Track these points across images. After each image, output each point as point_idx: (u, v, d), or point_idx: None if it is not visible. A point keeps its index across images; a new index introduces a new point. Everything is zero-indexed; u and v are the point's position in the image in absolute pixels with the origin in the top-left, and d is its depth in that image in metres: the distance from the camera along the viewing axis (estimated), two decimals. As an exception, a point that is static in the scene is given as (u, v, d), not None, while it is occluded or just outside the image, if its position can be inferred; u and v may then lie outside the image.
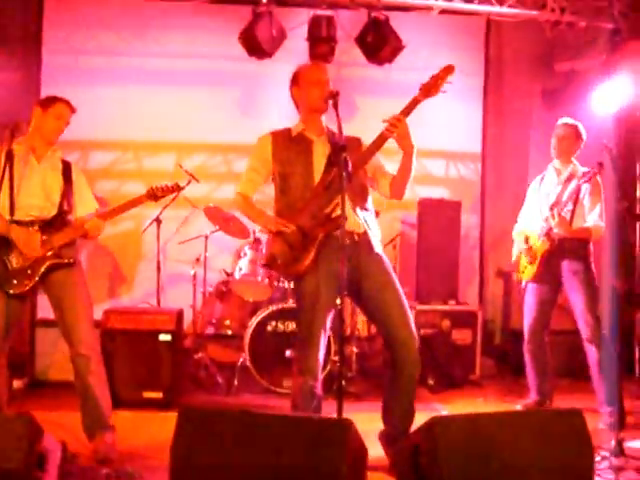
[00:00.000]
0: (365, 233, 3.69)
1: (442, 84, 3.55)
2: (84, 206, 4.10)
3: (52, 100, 4.02)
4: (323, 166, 3.68)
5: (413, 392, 3.74)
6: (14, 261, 3.83)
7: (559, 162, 4.95)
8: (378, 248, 3.77)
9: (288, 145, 3.78)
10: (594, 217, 4.72)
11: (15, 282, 3.81)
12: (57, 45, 6.59)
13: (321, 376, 3.75)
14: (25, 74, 6.56)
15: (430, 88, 3.55)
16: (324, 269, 3.60)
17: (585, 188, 4.70)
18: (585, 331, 4.75)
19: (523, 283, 5.05)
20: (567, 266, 4.80)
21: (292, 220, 3.66)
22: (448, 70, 3.56)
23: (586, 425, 2.92)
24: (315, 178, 3.69)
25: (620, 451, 3.86)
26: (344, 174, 3.29)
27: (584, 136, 4.89)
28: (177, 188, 4.23)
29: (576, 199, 4.72)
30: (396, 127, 3.54)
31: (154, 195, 4.11)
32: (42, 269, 3.85)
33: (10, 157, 3.83)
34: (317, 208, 3.62)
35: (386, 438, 3.76)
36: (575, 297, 4.79)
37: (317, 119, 3.80)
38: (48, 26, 6.60)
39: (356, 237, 3.63)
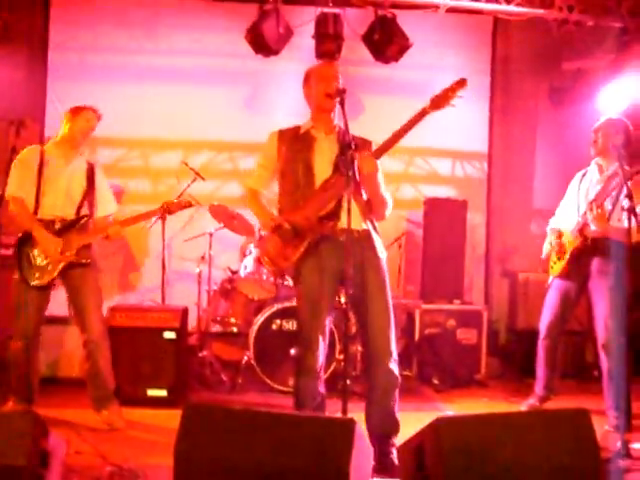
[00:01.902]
0: (367, 232, 3.67)
1: (453, 97, 3.51)
2: (103, 206, 4.56)
3: (81, 107, 4.48)
4: (326, 165, 3.65)
5: (388, 405, 3.69)
6: (37, 257, 4.32)
7: (602, 159, 4.74)
8: (381, 252, 3.74)
9: (292, 143, 3.75)
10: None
11: (37, 275, 4.30)
12: (63, 42, 6.60)
13: (324, 375, 3.75)
14: (31, 71, 6.58)
15: (440, 100, 3.51)
16: (323, 268, 3.59)
17: (625, 188, 4.39)
18: (602, 335, 4.60)
19: (550, 279, 4.94)
20: (597, 265, 4.64)
21: (290, 218, 3.64)
22: (461, 84, 3.51)
23: (592, 425, 2.90)
24: (316, 176, 3.66)
25: (626, 453, 3.85)
26: (350, 173, 3.28)
27: (625, 131, 4.65)
28: (189, 205, 4.70)
29: (616, 199, 4.50)
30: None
31: (168, 209, 4.59)
32: (60, 266, 4.32)
33: (42, 158, 4.32)
34: (312, 210, 3.60)
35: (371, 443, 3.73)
36: (599, 298, 4.64)
37: (326, 117, 3.74)
38: (54, 23, 6.61)
39: (356, 234, 3.59)
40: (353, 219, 3.45)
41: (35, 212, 4.32)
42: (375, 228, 3.74)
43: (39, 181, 4.29)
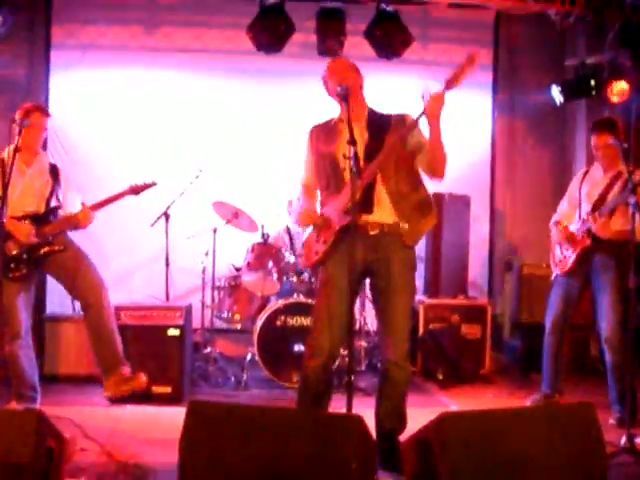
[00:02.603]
0: (396, 226, 3.65)
1: (465, 76, 3.47)
2: (72, 206, 4.63)
3: (26, 113, 4.39)
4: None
5: (399, 399, 3.75)
6: (11, 249, 4.33)
7: (602, 159, 4.74)
8: (410, 240, 3.70)
9: (321, 137, 3.81)
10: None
11: (12, 266, 4.33)
12: (65, 40, 6.59)
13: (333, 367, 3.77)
14: (33, 69, 6.57)
15: (453, 81, 3.48)
16: (340, 257, 3.61)
17: (630, 185, 4.33)
18: (605, 330, 4.63)
19: (553, 275, 4.97)
20: (599, 261, 4.68)
21: (323, 213, 3.74)
22: (471, 62, 3.46)
23: (597, 418, 2.90)
24: (341, 166, 3.66)
25: (631, 447, 3.84)
26: (354, 169, 3.28)
27: (622, 133, 4.65)
28: (153, 184, 4.83)
29: (620, 198, 4.49)
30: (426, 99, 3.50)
31: (134, 190, 4.75)
32: (36, 255, 4.40)
33: (2, 165, 4.38)
34: (342, 202, 3.64)
35: (378, 437, 3.75)
36: (601, 294, 4.68)
37: (352, 106, 3.60)
38: (56, 21, 6.60)
39: (386, 228, 3.63)
40: (384, 212, 3.59)
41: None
42: (407, 218, 3.69)
43: (3, 184, 4.18)
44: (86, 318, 4.53)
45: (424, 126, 3.64)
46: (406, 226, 3.68)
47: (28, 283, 4.46)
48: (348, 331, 3.34)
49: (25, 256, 4.37)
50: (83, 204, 4.64)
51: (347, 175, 3.59)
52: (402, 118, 3.75)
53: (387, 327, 3.71)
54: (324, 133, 3.81)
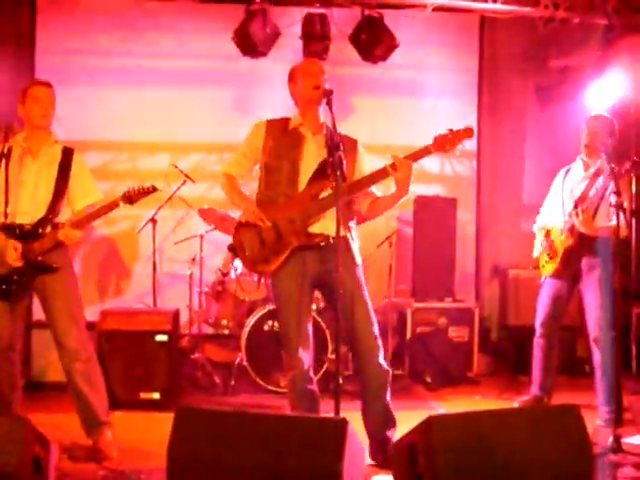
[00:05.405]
0: (345, 238, 3.61)
1: (458, 144, 3.56)
2: (85, 197, 4.04)
3: (25, 89, 3.95)
4: (312, 167, 3.64)
5: (382, 400, 3.75)
6: (1, 267, 3.86)
7: (587, 155, 4.74)
8: (357, 258, 3.76)
9: (280, 138, 3.72)
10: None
11: (4, 287, 3.85)
12: (50, 46, 6.58)
13: (317, 376, 3.77)
14: (18, 75, 6.54)
15: (445, 144, 3.55)
16: (300, 272, 3.62)
17: (612, 185, 4.40)
18: (594, 330, 4.63)
19: (542, 278, 4.97)
20: (586, 262, 4.67)
21: (270, 215, 3.63)
22: (468, 133, 3.58)
23: (583, 421, 2.92)
24: (300, 177, 3.64)
25: (618, 447, 3.86)
26: (338, 173, 3.27)
27: (610, 129, 4.66)
28: (153, 190, 4.00)
29: (602, 195, 4.53)
30: (400, 170, 3.52)
31: (129, 198, 3.92)
32: (27, 275, 3.86)
33: (7, 157, 3.83)
34: (299, 215, 3.60)
35: (370, 446, 3.76)
36: (589, 294, 4.68)
37: (314, 113, 3.71)
38: (40, 28, 6.59)
39: (331, 240, 3.59)
40: (332, 225, 3.41)
41: (5, 217, 3.84)
42: (352, 236, 3.74)
43: (6, 184, 3.81)
44: (64, 371, 3.97)
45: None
46: (354, 243, 3.73)
47: (17, 301, 3.93)
48: (335, 336, 3.34)
49: (16, 277, 3.84)
50: (68, 220, 3.93)
51: (303, 183, 3.62)
52: (353, 144, 3.77)
53: (359, 334, 3.67)
54: (284, 135, 3.73)
